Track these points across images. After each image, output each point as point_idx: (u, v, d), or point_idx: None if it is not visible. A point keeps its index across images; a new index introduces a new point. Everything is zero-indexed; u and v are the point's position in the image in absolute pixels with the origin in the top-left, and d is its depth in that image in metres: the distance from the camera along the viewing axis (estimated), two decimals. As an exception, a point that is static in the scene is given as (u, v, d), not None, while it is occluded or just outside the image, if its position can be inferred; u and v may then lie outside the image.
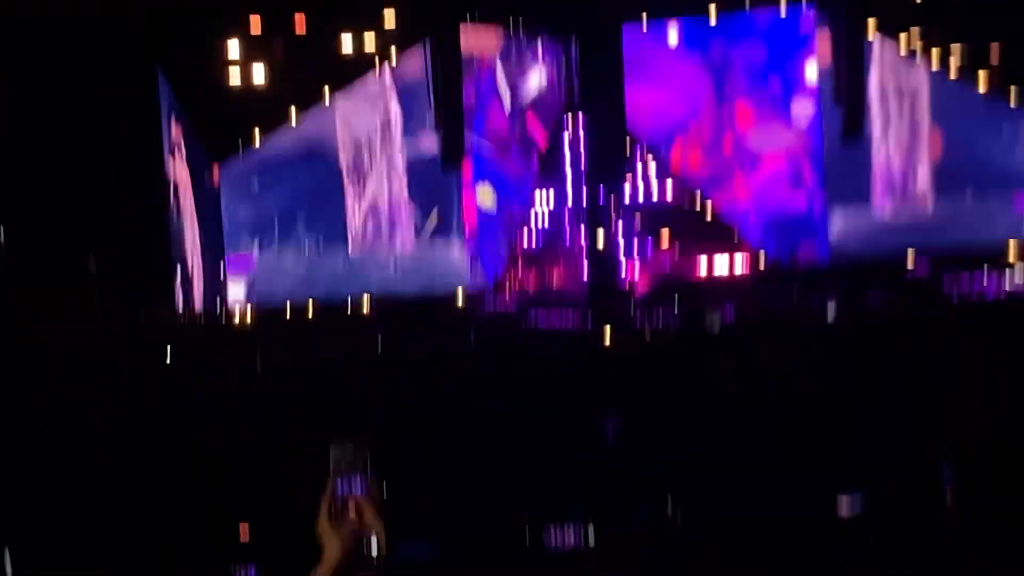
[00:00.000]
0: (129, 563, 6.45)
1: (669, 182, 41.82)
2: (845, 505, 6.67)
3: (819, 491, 7.15)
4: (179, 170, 39.54)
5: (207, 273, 39.30)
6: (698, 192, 42.05)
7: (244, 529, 5.18)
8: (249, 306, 38.92)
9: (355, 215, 40.20)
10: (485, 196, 41.24)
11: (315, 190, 39.90)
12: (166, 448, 10.32)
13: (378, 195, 40.43)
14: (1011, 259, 36.66)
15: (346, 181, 40.39)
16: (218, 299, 39.26)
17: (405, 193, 40.29)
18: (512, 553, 4.91)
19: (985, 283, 35.42)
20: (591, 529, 4.93)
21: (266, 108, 39.40)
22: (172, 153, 39.30)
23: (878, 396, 11.19)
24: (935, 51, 41.05)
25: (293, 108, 39.94)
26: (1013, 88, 40.23)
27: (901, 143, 42.17)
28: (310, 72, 39.03)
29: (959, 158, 41.71)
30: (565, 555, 4.78)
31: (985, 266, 37.89)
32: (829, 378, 12.31)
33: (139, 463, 9.97)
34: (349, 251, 40.14)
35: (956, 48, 40.89)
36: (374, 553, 4.81)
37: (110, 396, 13.86)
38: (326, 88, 40.03)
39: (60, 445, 10.57)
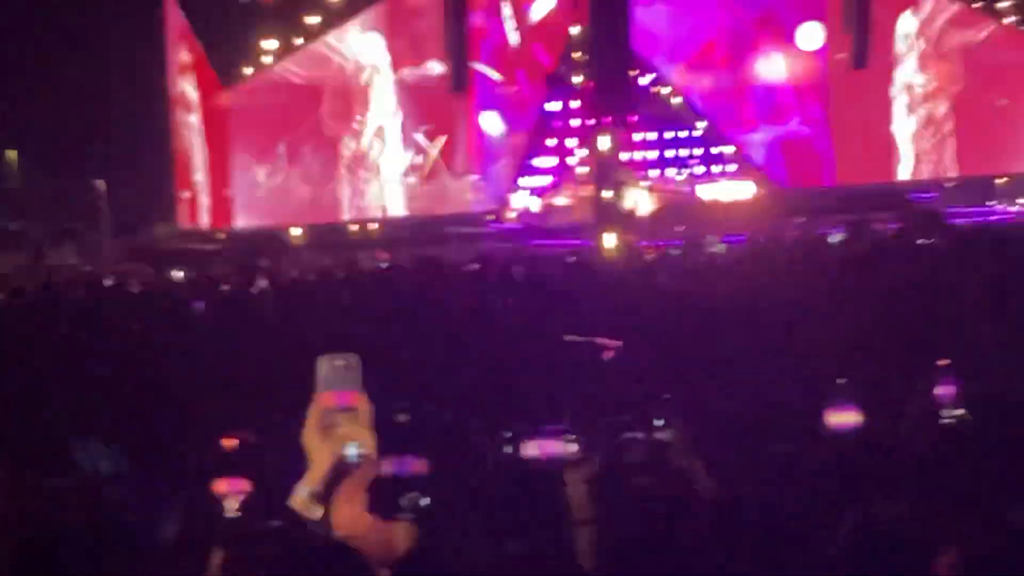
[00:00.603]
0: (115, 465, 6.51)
1: (677, 103, 41.81)
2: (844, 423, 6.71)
3: (819, 411, 7.20)
4: (188, 91, 39.50)
5: (214, 193, 39.32)
6: (705, 115, 42.05)
7: (229, 442, 5.16)
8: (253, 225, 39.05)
9: (361, 140, 40.18)
10: (491, 121, 41.19)
11: (320, 116, 39.90)
12: (160, 368, 10.33)
13: (384, 122, 40.37)
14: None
15: (352, 107, 40.33)
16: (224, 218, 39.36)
17: (409, 118, 40.24)
18: (499, 470, 4.96)
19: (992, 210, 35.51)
20: (579, 443, 4.94)
21: (275, 31, 39.34)
22: (181, 75, 39.28)
23: (879, 318, 11.17)
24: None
25: (301, 36, 39.89)
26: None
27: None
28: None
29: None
30: (554, 468, 4.80)
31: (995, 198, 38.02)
32: (832, 300, 12.30)
33: (137, 375, 10.00)
34: (357, 174, 40.15)
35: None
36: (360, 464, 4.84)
37: (119, 314, 13.91)
38: (333, 14, 39.98)
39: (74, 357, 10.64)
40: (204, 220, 39.08)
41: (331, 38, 39.82)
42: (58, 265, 31.83)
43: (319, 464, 4.22)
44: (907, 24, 41.55)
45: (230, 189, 39.32)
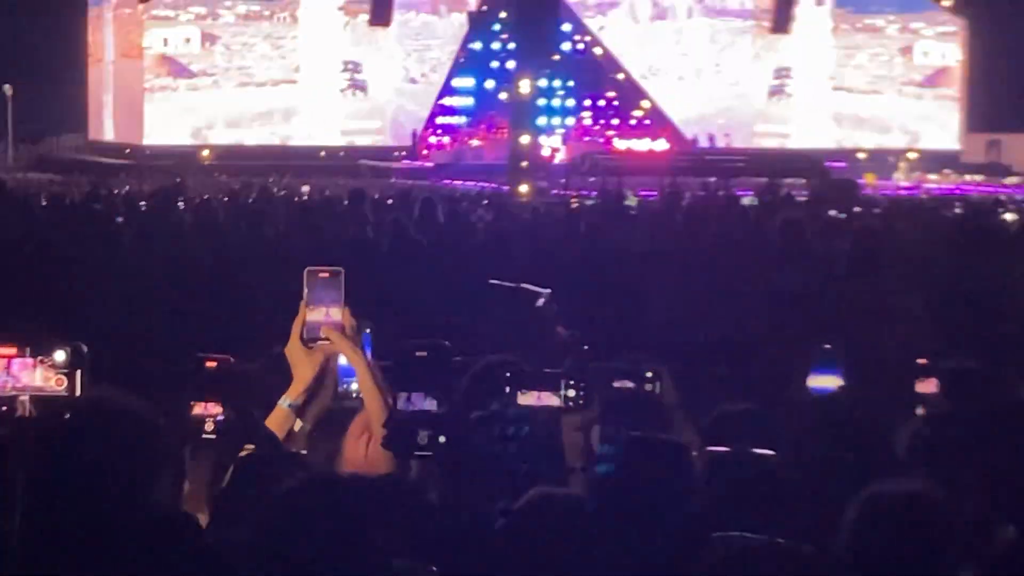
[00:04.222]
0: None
1: (598, 53, 41.86)
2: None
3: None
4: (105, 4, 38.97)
5: (124, 107, 38.86)
6: (626, 68, 42.07)
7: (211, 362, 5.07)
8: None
9: (285, 64, 39.90)
10: (409, 55, 41.02)
11: (244, 37, 39.49)
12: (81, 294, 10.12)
13: (311, 48, 40.07)
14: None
15: (278, 30, 40.01)
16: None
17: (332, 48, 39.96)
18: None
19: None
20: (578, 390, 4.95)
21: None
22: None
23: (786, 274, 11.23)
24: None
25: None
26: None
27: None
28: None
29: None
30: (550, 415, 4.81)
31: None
32: (742, 259, 12.33)
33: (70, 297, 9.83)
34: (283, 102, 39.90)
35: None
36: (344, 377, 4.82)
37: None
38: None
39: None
40: (112, 134, 38.65)
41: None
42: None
43: (302, 377, 4.24)
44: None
45: (141, 104, 38.91)
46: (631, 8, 41.97)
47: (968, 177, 37.54)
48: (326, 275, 4.19)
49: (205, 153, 37.59)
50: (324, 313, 4.19)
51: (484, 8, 40.03)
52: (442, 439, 4.04)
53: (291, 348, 4.25)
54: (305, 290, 4.19)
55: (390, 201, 18.70)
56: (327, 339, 4.20)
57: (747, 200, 21.68)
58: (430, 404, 4.19)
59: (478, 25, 39.96)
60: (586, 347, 8.14)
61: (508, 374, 4.90)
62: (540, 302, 10.38)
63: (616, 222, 16.31)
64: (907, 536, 3.62)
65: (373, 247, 12.40)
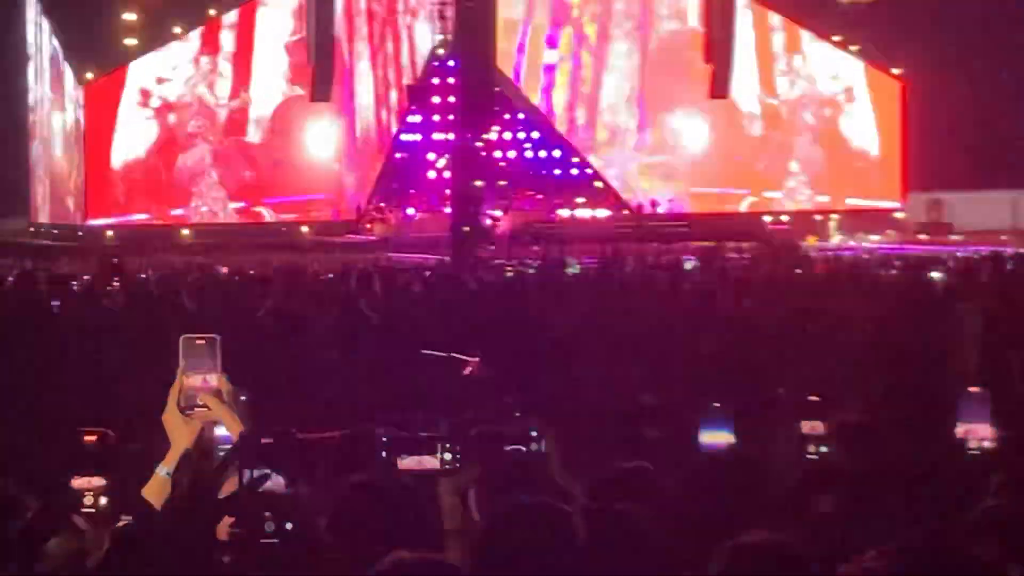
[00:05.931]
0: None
1: (536, 128, 42.03)
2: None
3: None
4: (43, 88, 38.94)
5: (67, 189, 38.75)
6: (563, 137, 42.21)
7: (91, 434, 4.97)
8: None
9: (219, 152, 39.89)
10: (356, 129, 41.11)
11: (183, 121, 39.46)
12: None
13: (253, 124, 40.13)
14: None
15: (214, 112, 40.03)
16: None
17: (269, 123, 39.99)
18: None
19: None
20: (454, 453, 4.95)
21: (137, 30, 38.80)
22: (37, 70, 38.76)
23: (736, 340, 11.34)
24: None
25: (163, 33, 39.38)
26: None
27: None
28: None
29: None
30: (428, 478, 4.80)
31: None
32: (692, 325, 12.45)
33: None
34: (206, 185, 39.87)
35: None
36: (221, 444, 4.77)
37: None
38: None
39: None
40: (55, 216, 38.54)
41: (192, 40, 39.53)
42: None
43: (179, 445, 4.19)
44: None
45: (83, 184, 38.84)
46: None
47: (920, 236, 37.88)
48: (202, 342, 4.16)
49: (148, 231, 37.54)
50: (201, 380, 4.15)
51: (424, 81, 40.20)
52: (289, 526, 3.95)
53: (168, 416, 4.20)
54: (181, 358, 4.16)
55: (330, 275, 18.74)
56: (205, 406, 4.16)
57: (689, 264, 21.81)
58: (277, 484, 4.10)
59: (418, 97, 40.10)
60: (517, 414, 8.17)
61: (385, 439, 4.88)
62: (467, 370, 10.44)
63: (555, 290, 16.41)
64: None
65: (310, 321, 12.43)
